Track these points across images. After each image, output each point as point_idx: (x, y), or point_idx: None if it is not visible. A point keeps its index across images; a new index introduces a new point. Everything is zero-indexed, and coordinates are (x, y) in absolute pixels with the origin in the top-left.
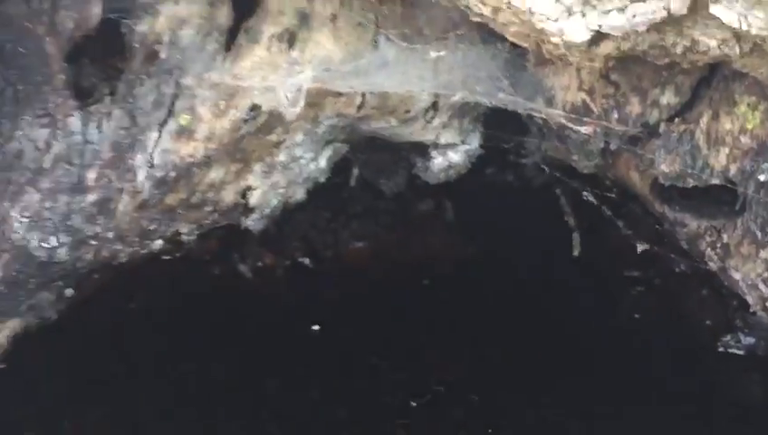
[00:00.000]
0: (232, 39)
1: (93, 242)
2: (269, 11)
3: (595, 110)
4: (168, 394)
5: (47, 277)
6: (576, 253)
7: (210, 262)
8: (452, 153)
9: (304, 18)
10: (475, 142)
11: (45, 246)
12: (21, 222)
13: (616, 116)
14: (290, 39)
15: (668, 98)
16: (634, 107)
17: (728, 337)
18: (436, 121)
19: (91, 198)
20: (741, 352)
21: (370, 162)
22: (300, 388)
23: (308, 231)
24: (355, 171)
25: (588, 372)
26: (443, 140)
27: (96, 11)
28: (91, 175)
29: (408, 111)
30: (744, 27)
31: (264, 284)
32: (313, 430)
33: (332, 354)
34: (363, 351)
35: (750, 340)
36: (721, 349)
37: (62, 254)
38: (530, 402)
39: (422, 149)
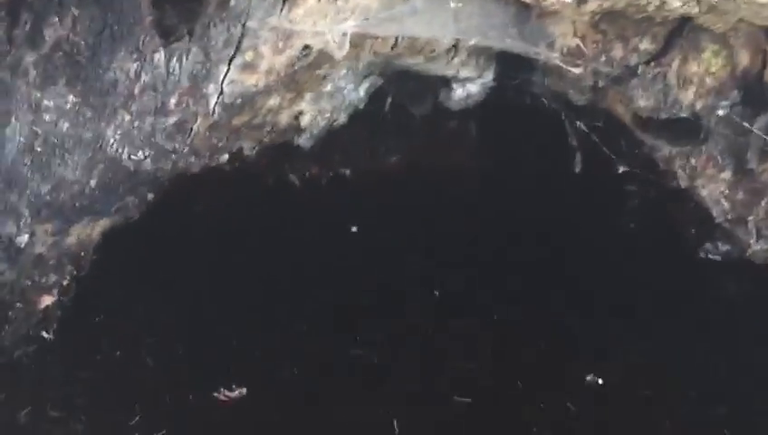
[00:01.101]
0: None
1: (172, 156)
2: None
3: (586, 53)
4: (225, 281)
5: (133, 184)
6: (577, 170)
7: (264, 173)
8: (470, 85)
9: None
10: (489, 76)
11: (134, 158)
12: (114, 138)
13: (603, 59)
14: None
15: (646, 45)
16: (618, 51)
17: (708, 245)
18: (457, 60)
19: (172, 119)
20: (718, 258)
21: (402, 90)
22: (333, 278)
23: (349, 146)
24: (389, 100)
25: (584, 273)
26: (462, 75)
27: None
28: (172, 101)
29: (433, 51)
30: None
31: (309, 191)
32: (340, 313)
33: (366, 251)
34: (394, 248)
35: (726, 247)
36: (702, 255)
37: (147, 165)
38: (524, 299)
39: (446, 81)
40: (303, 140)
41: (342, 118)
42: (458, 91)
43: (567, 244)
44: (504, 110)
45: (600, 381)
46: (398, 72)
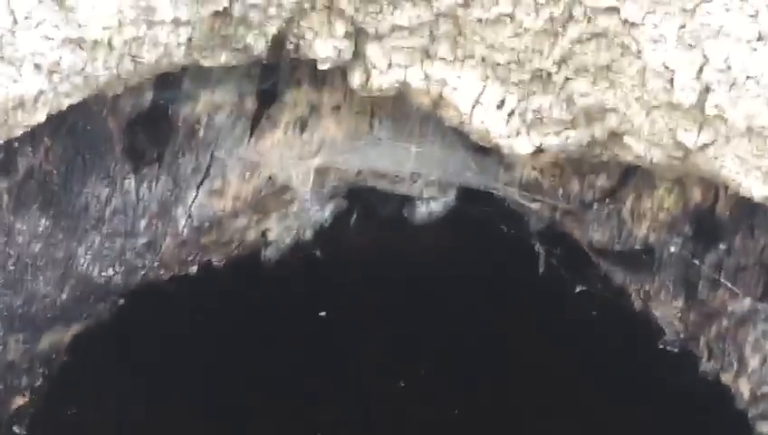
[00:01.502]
0: (256, 123)
1: (142, 270)
2: (286, 102)
3: (544, 186)
4: (194, 377)
5: (104, 294)
6: (540, 271)
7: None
8: (433, 203)
9: (314, 108)
10: (452, 195)
11: (104, 274)
12: (85, 258)
13: (560, 192)
14: (302, 125)
15: (602, 181)
16: (574, 186)
17: (667, 336)
18: (420, 182)
19: (142, 240)
20: (676, 350)
21: (367, 208)
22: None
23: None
24: (354, 217)
25: (544, 370)
26: (425, 195)
27: (148, 97)
28: (142, 223)
29: (396, 176)
30: (648, 157)
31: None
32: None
33: (338, 338)
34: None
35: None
36: (661, 346)
37: (117, 279)
38: (483, 393)
39: (409, 199)
40: (269, 253)
41: (309, 234)
42: (421, 209)
43: (526, 344)
44: (466, 224)
45: None
46: (363, 192)
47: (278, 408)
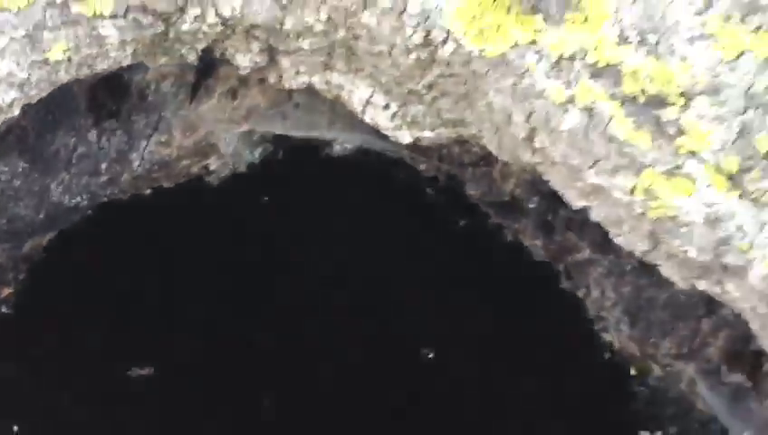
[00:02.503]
0: (195, 91)
1: (105, 197)
2: (220, 76)
3: (431, 149)
4: (150, 267)
5: (74, 213)
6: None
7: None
8: (346, 144)
9: (243, 81)
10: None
11: (73, 201)
12: (57, 190)
13: (445, 152)
14: (233, 94)
15: (476, 148)
16: (454, 150)
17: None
18: (335, 129)
19: (104, 178)
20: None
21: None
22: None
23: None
24: (280, 155)
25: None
26: (341, 139)
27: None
28: (103, 165)
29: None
30: (503, 157)
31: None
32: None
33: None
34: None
35: None
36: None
37: (84, 204)
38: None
39: (328, 142)
40: (211, 180)
41: (242, 168)
42: (337, 148)
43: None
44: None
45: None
46: (287, 138)
47: (223, 301)
